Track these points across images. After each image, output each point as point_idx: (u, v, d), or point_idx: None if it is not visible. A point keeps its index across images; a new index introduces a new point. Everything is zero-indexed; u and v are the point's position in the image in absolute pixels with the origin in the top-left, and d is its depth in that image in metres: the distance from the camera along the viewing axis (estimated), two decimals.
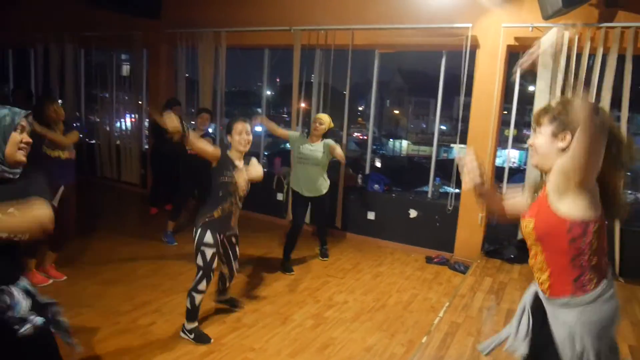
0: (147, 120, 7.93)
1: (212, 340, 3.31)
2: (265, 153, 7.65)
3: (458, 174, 5.50)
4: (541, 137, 1.80)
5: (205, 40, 6.83)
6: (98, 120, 8.58)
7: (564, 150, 1.73)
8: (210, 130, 5.67)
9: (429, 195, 6.04)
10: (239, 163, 3.36)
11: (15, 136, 1.82)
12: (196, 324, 3.34)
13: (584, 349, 1.65)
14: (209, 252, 3.24)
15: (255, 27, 6.40)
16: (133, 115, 8.11)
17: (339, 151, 4.76)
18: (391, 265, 5.28)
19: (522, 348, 1.85)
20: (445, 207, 5.62)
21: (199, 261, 3.25)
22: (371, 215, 6.09)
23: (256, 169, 3.37)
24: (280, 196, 6.57)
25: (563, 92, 4.82)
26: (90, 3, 6.52)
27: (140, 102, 8.00)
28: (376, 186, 6.12)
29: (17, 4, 8.52)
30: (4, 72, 10.00)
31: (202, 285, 3.25)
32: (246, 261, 4.93)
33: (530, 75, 5.34)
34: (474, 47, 5.25)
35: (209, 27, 6.75)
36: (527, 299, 1.92)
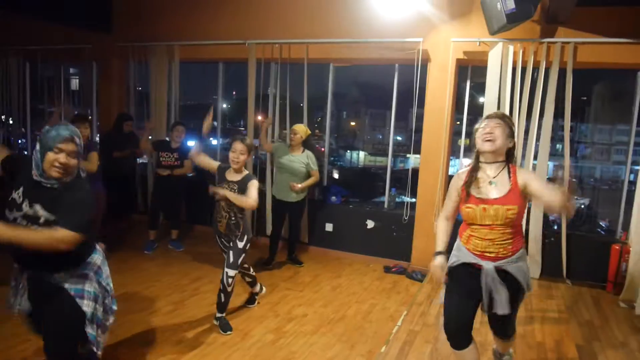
0: (98, 135, 7.70)
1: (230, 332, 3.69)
2: None
3: (413, 184, 5.66)
4: (501, 131, 2.39)
5: (157, 54, 6.72)
6: None
7: (508, 149, 2.46)
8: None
9: (386, 205, 6.13)
10: (232, 177, 3.66)
11: (50, 155, 2.13)
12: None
13: (528, 278, 2.50)
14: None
15: (210, 41, 6.36)
16: None
17: (312, 179, 5.34)
18: (350, 276, 5.31)
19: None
20: (402, 216, 5.72)
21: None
22: (329, 227, 6.12)
23: (242, 198, 3.55)
24: None
25: (511, 103, 5.03)
26: (36, 16, 6.32)
27: (90, 117, 7.75)
28: (334, 198, 6.16)
29: None
30: None
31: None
32: (204, 275, 4.86)
33: (479, 87, 5.55)
34: (425, 61, 5.41)
35: (162, 41, 6.65)
36: (491, 280, 2.45)
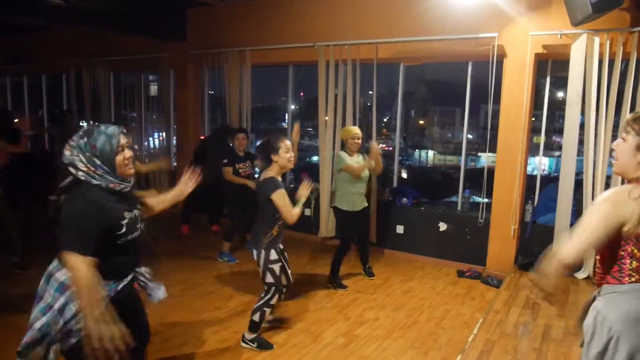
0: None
1: (274, 347, 3.51)
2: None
3: (488, 184, 5.42)
4: (623, 145, 1.81)
5: (230, 60, 6.92)
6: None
7: None
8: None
9: (459, 207, 5.92)
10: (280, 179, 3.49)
11: (120, 159, 2.07)
12: (257, 334, 3.54)
13: (612, 336, 1.72)
14: (276, 267, 3.40)
15: (279, 45, 6.45)
16: (161, 134, 8.26)
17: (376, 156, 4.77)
18: (422, 280, 5.19)
19: None
20: (476, 219, 5.50)
21: (269, 279, 3.39)
22: (400, 229, 6.01)
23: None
24: (307, 211, 6.56)
25: (597, 98, 4.68)
26: (119, 29, 6.73)
27: (168, 120, 8.15)
28: (405, 200, 6.04)
29: (48, 32, 8.83)
30: (37, 96, 10.37)
31: (274, 300, 3.46)
32: None
33: (559, 82, 5.22)
34: (501, 57, 5.16)
35: (234, 47, 6.84)
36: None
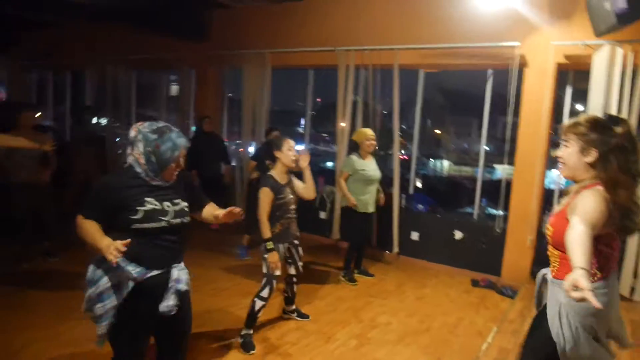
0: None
1: (253, 352, 3.39)
2: None
3: (506, 196, 5.38)
4: (568, 151, 1.98)
5: (250, 61, 6.98)
6: None
7: (590, 164, 1.92)
8: None
9: (475, 216, 5.89)
10: (285, 177, 3.55)
11: (172, 167, 2.18)
12: (251, 331, 3.51)
13: (567, 322, 1.93)
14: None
15: (300, 48, 6.50)
16: None
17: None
18: (435, 287, 5.16)
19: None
20: (491, 228, 5.47)
21: (264, 269, 3.47)
22: (415, 236, 6.00)
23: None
24: (323, 214, 6.58)
25: (618, 111, 4.64)
26: (142, 28, 6.83)
27: (187, 121, 8.23)
28: (420, 206, 6.03)
29: (72, 30, 8.98)
30: (61, 92, 10.56)
31: (265, 293, 3.46)
32: None
33: (580, 94, 5.19)
34: (522, 66, 5.14)
35: (255, 49, 6.91)
36: (538, 279, 2.26)
